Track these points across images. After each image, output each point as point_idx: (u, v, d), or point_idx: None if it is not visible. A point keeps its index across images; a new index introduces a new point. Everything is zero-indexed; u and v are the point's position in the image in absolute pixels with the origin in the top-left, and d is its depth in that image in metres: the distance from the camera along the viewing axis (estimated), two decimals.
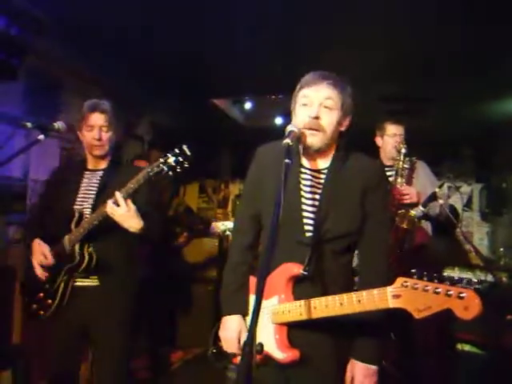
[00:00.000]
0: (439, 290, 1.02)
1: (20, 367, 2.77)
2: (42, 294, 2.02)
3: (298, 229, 1.41)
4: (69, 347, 2.03)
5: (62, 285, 1.97)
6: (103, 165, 2.14)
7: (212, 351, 3.83)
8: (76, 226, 1.96)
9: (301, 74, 1.49)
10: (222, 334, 1.53)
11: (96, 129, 2.03)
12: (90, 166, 2.15)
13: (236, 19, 2.75)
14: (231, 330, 1.49)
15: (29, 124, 1.90)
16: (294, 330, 1.37)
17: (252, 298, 1.50)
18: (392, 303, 1.11)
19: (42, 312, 2.01)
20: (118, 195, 1.78)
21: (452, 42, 2.93)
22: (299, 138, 1.36)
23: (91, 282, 2.00)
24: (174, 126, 4.91)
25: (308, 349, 1.35)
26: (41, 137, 1.89)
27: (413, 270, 1.09)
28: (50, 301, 1.98)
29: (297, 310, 1.31)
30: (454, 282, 1.02)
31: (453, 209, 5.18)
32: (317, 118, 1.37)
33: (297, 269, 1.34)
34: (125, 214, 1.78)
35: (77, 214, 1.98)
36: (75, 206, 2.03)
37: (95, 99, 2.09)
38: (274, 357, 1.35)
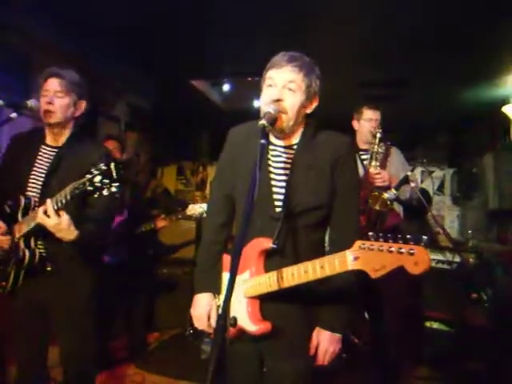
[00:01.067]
0: (392, 248, 1.06)
1: None
2: None
3: (269, 204, 1.44)
4: (29, 330, 1.96)
5: (13, 273, 1.88)
6: (61, 140, 1.96)
7: (190, 331, 3.89)
8: (23, 214, 1.85)
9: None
10: (192, 311, 1.59)
11: (50, 93, 1.87)
12: (48, 141, 1.98)
13: (219, 1, 2.73)
14: (201, 307, 1.54)
15: (1, 102, 1.85)
16: (266, 303, 1.41)
17: (226, 275, 1.53)
18: (351, 265, 1.15)
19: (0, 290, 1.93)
20: (49, 205, 1.66)
21: (427, 29, 2.98)
22: (275, 120, 1.37)
23: (47, 268, 1.90)
24: (151, 108, 4.85)
25: (279, 320, 1.40)
26: (13, 115, 1.84)
27: (370, 233, 1.12)
28: (4, 282, 1.90)
29: (266, 282, 1.35)
30: (405, 241, 1.05)
31: (424, 192, 5.35)
32: (279, 100, 1.39)
33: (267, 243, 1.37)
34: (55, 226, 1.68)
35: (23, 202, 1.85)
36: (28, 189, 1.89)
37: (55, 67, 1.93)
38: (247, 330, 1.39)
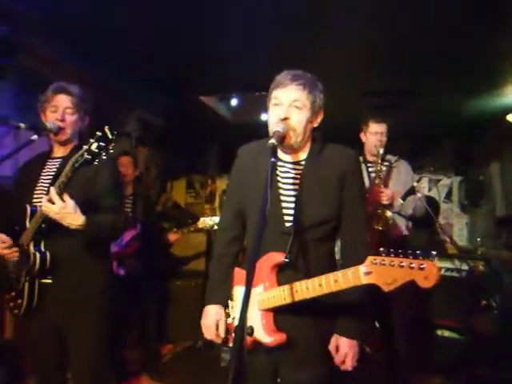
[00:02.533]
0: (403, 263, 1.12)
1: (13, 363, 2.81)
2: (13, 293, 1.93)
3: (279, 220, 1.49)
4: (47, 348, 1.95)
5: (27, 285, 1.86)
6: (65, 152, 1.98)
7: (201, 343, 3.93)
8: (30, 222, 1.85)
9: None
10: (202, 321, 1.65)
11: (60, 109, 1.90)
12: (53, 154, 2.02)
13: (224, 18, 2.81)
14: (209, 317, 1.61)
15: (22, 125, 1.92)
16: (280, 315, 1.45)
17: (238, 289, 1.60)
18: (364, 280, 1.20)
19: (16, 311, 1.93)
20: (52, 191, 1.64)
21: (433, 38, 3.03)
22: (284, 138, 1.44)
23: (49, 280, 1.89)
24: (161, 123, 4.96)
25: (293, 331, 1.44)
26: (34, 137, 1.88)
27: (381, 249, 1.18)
28: (20, 300, 1.89)
29: (281, 295, 1.40)
30: (416, 256, 1.11)
31: (432, 201, 5.37)
32: (286, 118, 1.45)
33: (279, 257, 1.43)
34: (60, 211, 1.65)
35: (28, 210, 1.87)
36: (34, 199, 1.91)
37: (63, 82, 1.97)
38: (263, 341, 1.44)
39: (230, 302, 1.64)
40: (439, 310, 3.55)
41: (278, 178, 1.55)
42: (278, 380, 1.56)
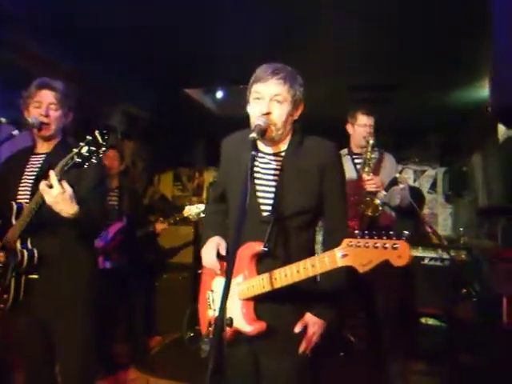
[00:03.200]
0: (378, 244, 1.15)
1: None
2: None
3: (257, 209, 1.52)
4: (33, 344, 1.96)
5: (13, 280, 1.86)
6: (49, 148, 2.00)
7: (189, 335, 3.96)
8: (16, 219, 1.86)
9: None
10: (202, 252, 1.67)
11: (44, 105, 1.90)
12: (37, 150, 2.03)
13: (209, 11, 2.80)
14: (211, 242, 1.65)
15: (3, 120, 1.89)
16: (260, 304, 1.48)
17: (217, 279, 1.63)
18: (340, 262, 1.24)
19: (2, 305, 1.90)
20: (53, 176, 1.64)
21: (416, 32, 3.06)
22: (265, 131, 1.46)
23: (35, 276, 1.90)
24: (147, 116, 4.93)
25: (273, 320, 1.47)
26: (15, 132, 1.86)
27: (356, 231, 1.22)
28: (5, 295, 1.88)
29: (260, 284, 1.43)
30: (389, 237, 1.15)
31: (418, 191, 5.44)
32: (268, 113, 1.47)
33: (258, 246, 1.46)
34: (58, 195, 1.64)
35: (14, 207, 1.87)
36: (18, 196, 1.92)
37: (46, 78, 1.96)
38: (243, 330, 1.46)
39: (210, 293, 1.66)
40: (423, 299, 3.62)
41: (259, 169, 1.57)
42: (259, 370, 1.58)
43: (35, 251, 1.85)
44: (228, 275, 1.08)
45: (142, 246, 3.74)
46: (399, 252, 1.12)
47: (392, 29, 2.97)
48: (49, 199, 1.66)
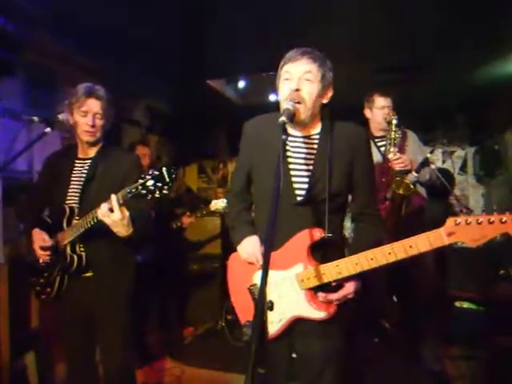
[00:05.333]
0: (492, 219, 1.20)
1: (41, 349, 2.92)
2: (42, 280, 2.07)
3: (290, 193, 1.52)
4: (77, 331, 2.08)
5: (58, 278, 2.01)
6: (93, 153, 2.11)
7: (221, 324, 4.00)
8: (68, 222, 1.98)
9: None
10: (243, 251, 1.64)
11: (90, 115, 1.99)
12: (80, 155, 2.13)
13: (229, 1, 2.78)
14: (253, 239, 1.63)
15: (35, 118, 1.96)
16: (321, 292, 1.47)
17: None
18: (447, 240, 1.26)
19: (43, 296, 2.07)
20: (114, 200, 1.72)
21: (442, 6, 2.96)
22: (294, 115, 1.44)
23: (86, 274, 2.04)
24: (169, 110, 4.96)
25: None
26: (48, 130, 1.93)
27: (458, 209, 1.25)
28: (48, 289, 2.04)
29: (341, 268, 1.40)
30: (501, 212, 1.20)
31: (447, 173, 5.31)
32: (297, 90, 1.47)
33: (318, 233, 1.45)
34: (118, 220, 1.74)
35: (68, 211, 1.99)
36: (67, 200, 2.03)
37: (90, 83, 2.04)
38: (313, 317, 1.45)
39: (253, 288, 1.63)
40: (458, 282, 3.55)
41: (290, 153, 1.57)
42: (293, 355, 1.58)
43: (83, 256, 1.98)
44: (265, 260, 1.07)
45: (172, 238, 3.79)
46: None
47: (416, 4, 2.87)
48: (108, 221, 1.76)
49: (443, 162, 5.90)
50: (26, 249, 2.14)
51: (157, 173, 1.62)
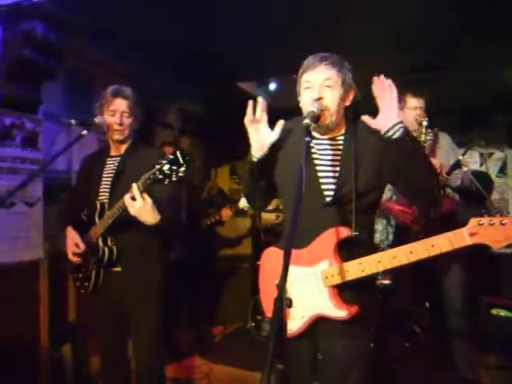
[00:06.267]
0: None
1: (77, 342, 3.05)
2: (81, 275, 2.17)
3: (319, 194, 1.53)
4: (110, 325, 2.16)
5: (94, 272, 2.09)
6: (123, 150, 2.20)
7: (251, 324, 4.03)
8: (99, 217, 2.05)
9: (320, 51, 1.57)
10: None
11: (118, 114, 2.08)
12: (112, 153, 2.23)
13: (260, 2, 2.82)
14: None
15: (73, 121, 2.08)
16: (345, 291, 1.48)
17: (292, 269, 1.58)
18: (469, 240, 1.24)
19: (82, 290, 2.17)
20: (135, 188, 1.76)
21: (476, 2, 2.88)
22: (318, 117, 1.46)
23: (118, 269, 2.11)
24: (202, 112, 5.05)
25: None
26: (84, 132, 2.03)
27: (483, 211, 1.23)
28: (86, 283, 2.13)
29: (369, 264, 1.40)
30: None
31: (485, 176, 5.13)
32: (319, 98, 1.48)
33: (345, 231, 1.46)
34: (141, 208, 1.78)
35: (98, 206, 2.07)
36: (99, 196, 2.12)
37: (117, 85, 2.14)
38: (333, 316, 1.45)
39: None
40: (494, 289, 3.43)
41: (315, 156, 1.59)
42: (319, 356, 1.58)
43: (115, 249, 2.05)
44: (285, 259, 1.09)
45: (204, 238, 3.85)
46: None
47: (445, 4, 2.80)
48: (133, 211, 1.80)
49: (481, 164, 5.70)
50: (64, 246, 2.23)
51: (171, 157, 1.69)
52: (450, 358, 2.88)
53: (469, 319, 2.89)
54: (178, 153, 1.70)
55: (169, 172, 1.69)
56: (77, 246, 2.11)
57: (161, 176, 1.70)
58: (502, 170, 5.70)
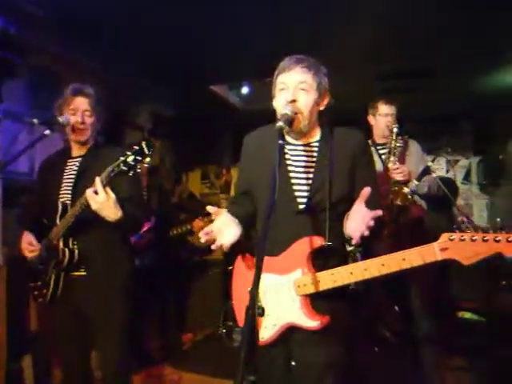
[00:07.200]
0: (487, 238, 1.15)
1: (39, 353, 2.91)
2: (39, 283, 2.05)
3: (291, 202, 1.50)
4: (71, 335, 2.04)
5: (53, 277, 1.98)
6: (84, 151, 2.10)
7: (222, 330, 3.97)
8: (60, 219, 1.95)
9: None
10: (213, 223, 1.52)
11: (79, 112, 2.00)
12: (73, 154, 2.13)
13: (230, 5, 2.79)
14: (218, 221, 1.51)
15: (35, 120, 1.97)
16: (317, 300, 1.45)
17: (265, 276, 1.55)
18: (440, 255, 1.23)
19: (40, 299, 2.05)
20: (98, 182, 1.72)
21: (446, 17, 2.96)
22: (292, 121, 1.43)
23: (80, 273, 2.00)
24: (173, 115, 4.97)
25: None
26: (47, 132, 1.95)
27: (454, 226, 1.20)
28: (45, 290, 2.01)
29: (339, 276, 1.38)
30: (495, 230, 1.15)
31: (451, 182, 5.28)
32: (293, 101, 1.45)
33: (319, 241, 1.43)
34: (103, 202, 1.73)
35: (60, 207, 1.98)
36: (60, 198, 2.02)
37: (78, 83, 2.05)
38: (305, 326, 1.42)
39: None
40: (459, 292, 3.51)
41: (289, 162, 1.56)
42: (292, 363, 1.56)
43: (76, 250, 1.95)
44: (257, 267, 1.06)
45: (174, 244, 3.77)
46: None
47: (416, 10, 2.87)
48: (94, 206, 1.74)
49: (447, 171, 5.87)
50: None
51: (137, 147, 1.66)
52: (417, 361, 2.91)
53: (436, 322, 2.94)
54: (143, 143, 1.67)
55: (133, 163, 1.66)
56: (30, 244, 2.02)
57: (125, 168, 1.67)
58: (467, 177, 5.90)
